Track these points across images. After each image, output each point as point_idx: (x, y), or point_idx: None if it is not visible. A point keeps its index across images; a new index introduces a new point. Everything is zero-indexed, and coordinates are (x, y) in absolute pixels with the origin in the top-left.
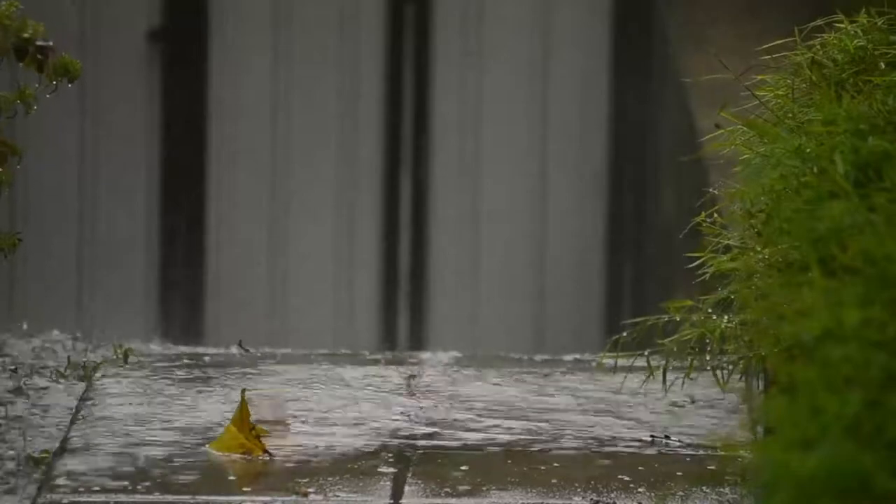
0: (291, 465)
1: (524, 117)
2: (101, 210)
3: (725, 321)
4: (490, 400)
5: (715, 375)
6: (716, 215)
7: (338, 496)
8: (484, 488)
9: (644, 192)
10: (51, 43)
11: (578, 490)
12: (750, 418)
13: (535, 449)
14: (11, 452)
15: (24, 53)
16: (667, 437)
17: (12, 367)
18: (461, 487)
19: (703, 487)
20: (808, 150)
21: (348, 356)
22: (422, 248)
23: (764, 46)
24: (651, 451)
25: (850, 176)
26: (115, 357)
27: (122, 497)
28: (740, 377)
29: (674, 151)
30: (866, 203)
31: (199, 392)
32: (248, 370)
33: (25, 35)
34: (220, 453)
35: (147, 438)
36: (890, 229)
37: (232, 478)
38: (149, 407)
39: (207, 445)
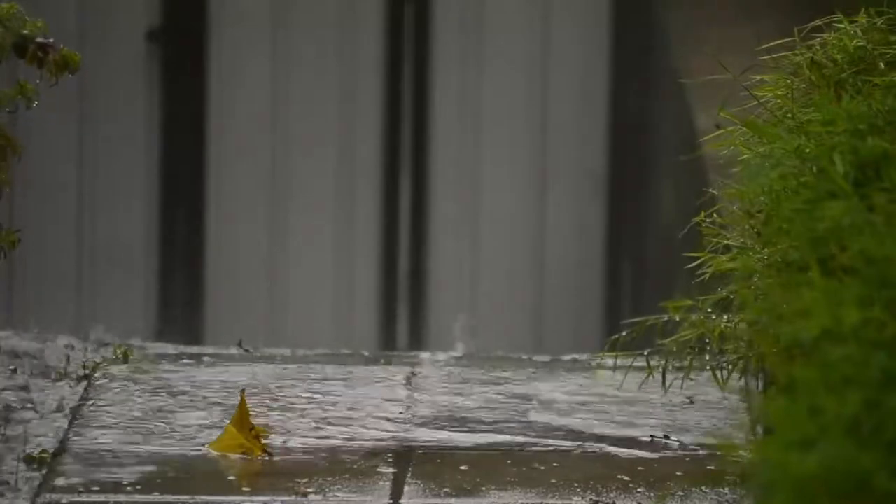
0: (291, 465)
1: (524, 117)
2: (101, 210)
3: (725, 321)
4: (490, 400)
5: (714, 375)
6: (715, 215)
7: (337, 496)
8: (483, 488)
9: (644, 192)
10: (51, 40)
11: (578, 490)
12: (750, 418)
13: (535, 449)
14: (12, 452)
15: (25, 51)
16: (666, 437)
17: (12, 368)
18: (461, 487)
19: (703, 487)
20: (807, 150)
21: (348, 356)
22: (421, 248)
23: (763, 46)
24: (650, 451)
25: (849, 176)
26: (115, 357)
27: (122, 497)
28: (740, 377)
29: (674, 151)
30: (866, 203)
31: (199, 391)
32: (248, 367)
33: (25, 32)
34: (220, 453)
35: (146, 438)
36: (889, 229)
37: (231, 478)
38: (148, 407)
39: (207, 445)
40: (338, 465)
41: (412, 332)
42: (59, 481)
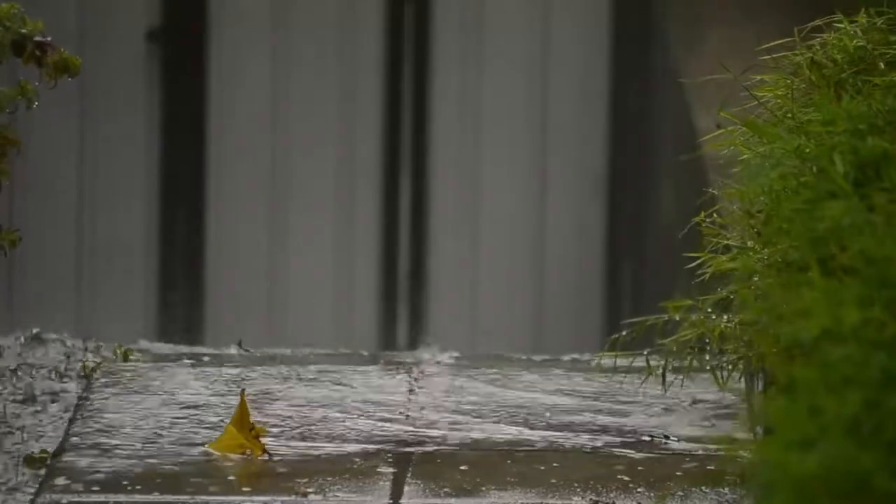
0: (291, 465)
1: (524, 117)
2: (101, 210)
3: (725, 321)
4: (490, 400)
5: (714, 375)
6: (715, 215)
7: (337, 496)
8: (483, 488)
9: (644, 192)
10: (49, 38)
11: (578, 490)
12: (750, 418)
13: (535, 449)
14: (11, 452)
15: (23, 49)
16: (666, 436)
17: (11, 368)
18: (461, 487)
19: (703, 487)
20: (807, 150)
21: (348, 356)
22: (421, 248)
23: (763, 46)
24: (650, 451)
25: (849, 176)
26: (114, 357)
27: (122, 497)
28: (740, 377)
29: (674, 151)
30: (866, 203)
31: (199, 391)
32: (248, 367)
33: (23, 31)
34: (220, 453)
35: (146, 438)
36: (889, 229)
37: (232, 478)
38: (148, 407)
39: (207, 445)
40: (338, 465)
41: (412, 332)
42: (60, 481)
